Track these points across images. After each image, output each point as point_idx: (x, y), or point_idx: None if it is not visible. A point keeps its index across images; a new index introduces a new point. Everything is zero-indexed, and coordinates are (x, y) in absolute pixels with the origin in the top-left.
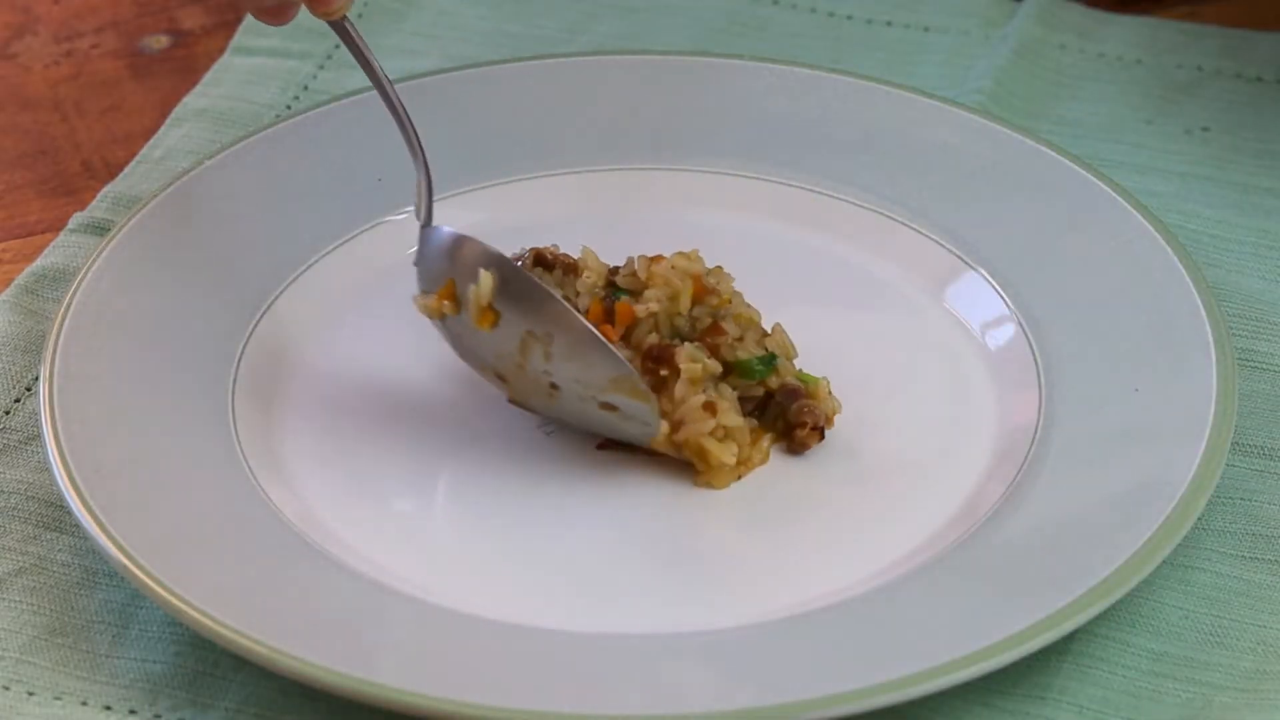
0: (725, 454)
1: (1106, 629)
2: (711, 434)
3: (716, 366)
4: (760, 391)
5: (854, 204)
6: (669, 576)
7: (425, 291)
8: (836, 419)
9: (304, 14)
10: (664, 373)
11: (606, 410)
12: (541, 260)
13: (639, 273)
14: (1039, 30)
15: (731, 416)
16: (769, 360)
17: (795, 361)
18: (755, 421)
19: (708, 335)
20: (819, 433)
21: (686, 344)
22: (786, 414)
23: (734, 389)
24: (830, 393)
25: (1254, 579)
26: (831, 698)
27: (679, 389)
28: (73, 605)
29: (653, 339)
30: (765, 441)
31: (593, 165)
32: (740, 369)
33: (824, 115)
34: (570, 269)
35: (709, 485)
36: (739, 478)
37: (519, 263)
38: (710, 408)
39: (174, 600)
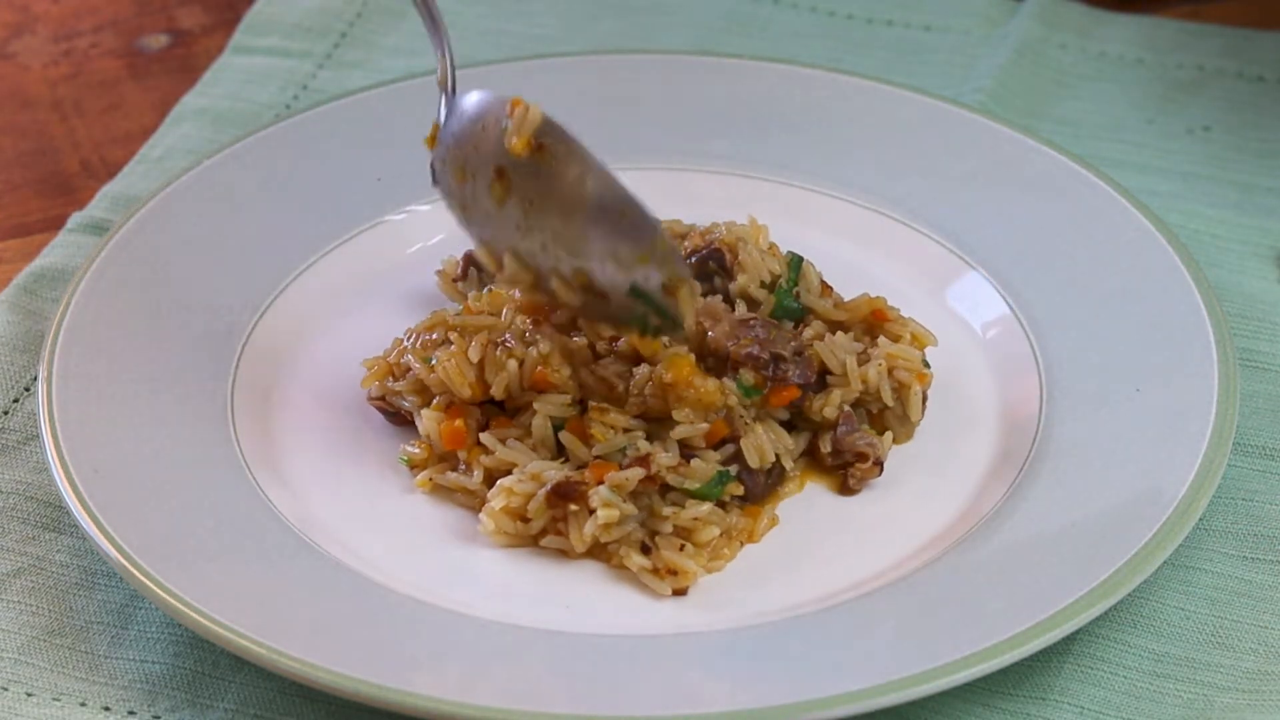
0: (687, 565)
1: (1107, 629)
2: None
3: (630, 509)
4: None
5: (854, 204)
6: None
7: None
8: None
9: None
10: (574, 508)
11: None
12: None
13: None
14: (1040, 30)
15: (697, 510)
16: (723, 478)
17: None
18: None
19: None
20: (879, 467)
21: (602, 487)
22: (840, 443)
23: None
24: (889, 446)
25: (1255, 579)
26: (832, 698)
27: (588, 527)
28: (71, 606)
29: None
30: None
31: None
32: (697, 496)
33: (824, 115)
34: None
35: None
36: (741, 545)
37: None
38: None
39: (173, 601)
